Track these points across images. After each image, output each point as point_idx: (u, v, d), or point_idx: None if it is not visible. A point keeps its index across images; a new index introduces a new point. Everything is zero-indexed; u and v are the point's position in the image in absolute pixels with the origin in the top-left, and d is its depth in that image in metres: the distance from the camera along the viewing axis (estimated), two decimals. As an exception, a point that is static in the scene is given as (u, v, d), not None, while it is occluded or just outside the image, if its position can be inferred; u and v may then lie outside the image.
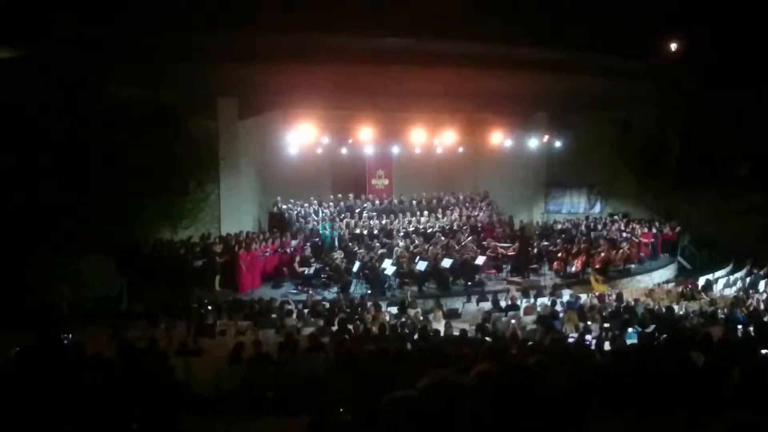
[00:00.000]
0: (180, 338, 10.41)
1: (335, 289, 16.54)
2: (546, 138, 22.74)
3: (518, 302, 14.71)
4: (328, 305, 14.34)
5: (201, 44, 14.46)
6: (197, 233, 18.52)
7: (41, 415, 4.78)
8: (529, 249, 19.00)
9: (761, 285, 16.39)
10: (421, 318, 13.37)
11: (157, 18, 13.28)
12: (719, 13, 16.59)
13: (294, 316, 13.31)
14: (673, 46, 17.57)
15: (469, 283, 17.25)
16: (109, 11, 12.87)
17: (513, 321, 12.33)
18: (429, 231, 20.32)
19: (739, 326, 10.51)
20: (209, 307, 13.66)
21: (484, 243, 19.49)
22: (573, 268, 18.17)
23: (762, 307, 13.02)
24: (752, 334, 9.33)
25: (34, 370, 6.12)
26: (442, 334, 11.23)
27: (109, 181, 15.30)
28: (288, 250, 18.26)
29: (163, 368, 7.70)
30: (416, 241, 18.99)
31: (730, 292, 16.20)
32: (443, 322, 12.75)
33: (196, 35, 14.03)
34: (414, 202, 22.63)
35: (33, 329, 9.59)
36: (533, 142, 22.68)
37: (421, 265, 16.86)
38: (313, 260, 17.74)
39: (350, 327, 11.38)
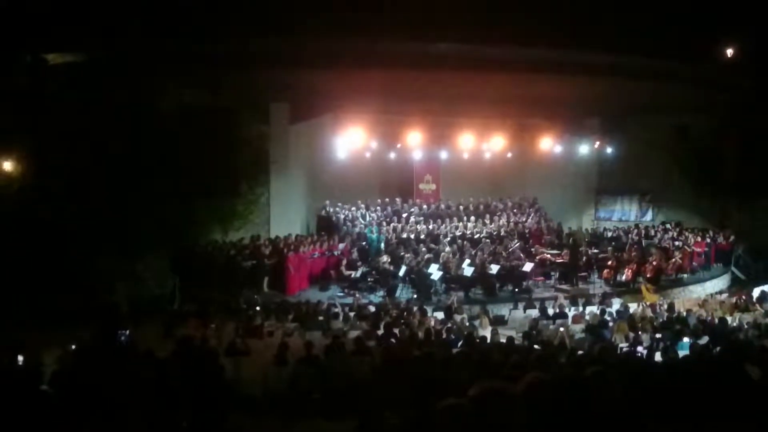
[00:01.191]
0: (229, 338, 10.57)
1: (381, 292, 16.60)
2: (597, 144, 22.35)
3: (566, 310, 14.50)
4: (374, 309, 14.42)
5: (255, 50, 14.78)
6: (247, 235, 18.86)
7: (95, 411, 4.94)
8: (578, 256, 18.70)
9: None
10: (467, 324, 13.31)
11: (215, 24, 13.64)
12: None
13: (340, 318, 13.43)
14: (731, 51, 17.06)
15: (516, 290, 17.07)
16: (171, 17, 13.27)
17: (561, 329, 12.15)
18: (476, 236, 20.21)
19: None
20: (258, 308, 13.90)
21: (532, 249, 19.27)
22: (623, 277, 17.78)
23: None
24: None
25: (89, 367, 6.35)
26: (488, 340, 11.16)
27: (165, 182, 15.74)
28: (335, 253, 18.44)
29: (214, 367, 7.85)
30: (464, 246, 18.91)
31: (788, 304, 15.61)
32: (489, 328, 12.65)
33: (250, 41, 14.34)
34: (461, 207, 22.52)
35: (93, 328, 9.94)
36: (584, 148, 22.31)
37: (468, 271, 16.78)
38: (359, 264, 17.86)
39: (396, 331, 11.42)
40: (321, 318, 13.27)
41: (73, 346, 9.00)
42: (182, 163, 16.20)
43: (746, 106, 19.58)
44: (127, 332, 9.50)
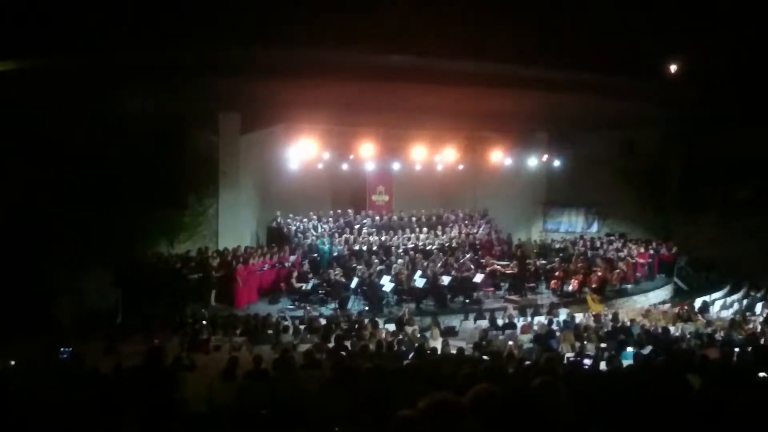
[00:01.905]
0: (174, 353, 10.33)
1: (333, 305, 16.50)
2: (546, 157, 22.86)
3: (515, 321, 14.70)
4: (325, 321, 14.30)
5: (205, 58, 14.55)
6: (195, 247, 18.49)
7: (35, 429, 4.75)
8: (527, 267, 19.00)
9: (758, 308, 16.37)
10: (419, 335, 13.34)
11: (164, 32, 13.39)
12: (723, 35, 16.73)
13: (290, 332, 13.26)
14: (676, 68, 17.70)
15: (467, 301, 17.23)
16: (120, 25, 12.98)
17: (510, 340, 12.29)
18: (428, 248, 20.33)
19: (736, 349, 10.48)
20: (204, 322, 13.62)
21: (483, 261, 19.49)
22: (570, 288, 18.16)
23: (759, 329, 12.99)
24: (749, 357, 9.30)
25: (30, 384, 6.10)
26: (439, 351, 11.19)
27: (110, 193, 15.32)
28: (286, 265, 18.25)
29: (159, 383, 7.64)
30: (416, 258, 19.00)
31: (727, 314, 16.17)
32: (440, 339, 12.70)
33: (200, 49, 14.13)
34: (414, 218, 22.63)
35: (35, 340, 9.60)
36: (533, 161, 22.79)
37: (420, 282, 16.85)
38: (311, 276, 17.72)
39: (347, 344, 11.34)
40: (270, 331, 13.06)
41: (12, 362, 8.67)
42: (127, 173, 15.81)
43: (690, 121, 20.34)
44: (71, 349, 9.16)
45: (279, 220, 20.98)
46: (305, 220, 21.45)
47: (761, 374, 6.97)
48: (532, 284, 18.75)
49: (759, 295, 17.50)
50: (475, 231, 22.67)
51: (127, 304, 15.15)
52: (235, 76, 15.49)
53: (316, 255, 19.34)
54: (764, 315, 15.52)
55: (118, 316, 14.86)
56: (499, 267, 19.15)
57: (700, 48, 16.97)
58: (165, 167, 16.87)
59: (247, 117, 19.49)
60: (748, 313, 15.75)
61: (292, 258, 18.54)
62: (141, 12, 13.49)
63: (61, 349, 8.99)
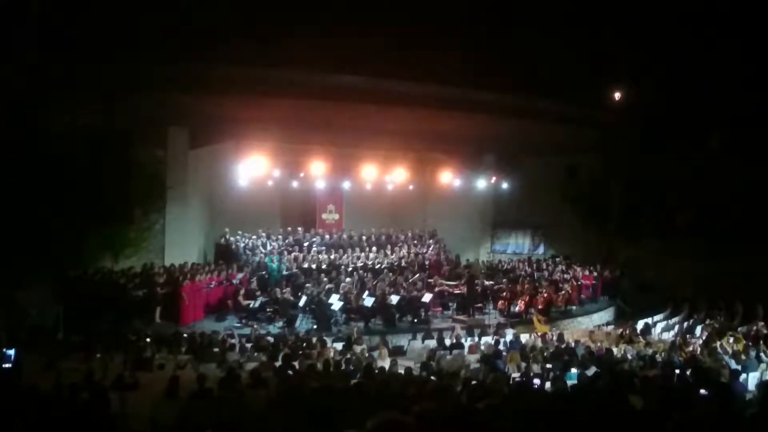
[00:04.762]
0: (116, 371, 10.13)
1: (281, 323, 16.32)
2: (494, 179, 23.29)
3: (463, 341, 14.80)
4: (272, 340, 14.12)
5: (155, 72, 14.35)
6: (140, 263, 18.04)
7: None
8: (475, 288, 19.22)
9: (698, 330, 16.88)
10: (367, 355, 13.29)
11: (113, 46, 13.16)
12: (664, 66, 17.51)
13: (237, 350, 13.05)
14: (619, 96, 18.39)
15: (415, 321, 17.28)
16: (67, 38, 12.69)
17: (457, 359, 12.38)
18: (377, 267, 20.36)
19: (677, 370, 10.79)
20: (148, 340, 13.32)
21: (431, 281, 19.62)
22: (516, 308, 18.41)
23: (699, 351, 13.41)
24: (689, 378, 9.58)
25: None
26: (387, 371, 11.17)
27: (52, 207, 14.83)
28: (234, 283, 17.98)
29: (99, 402, 7.41)
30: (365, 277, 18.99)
31: (668, 336, 16.63)
32: (388, 359, 12.70)
33: (150, 64, 13.93)
34: (363, 237, 22.67)
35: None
36: (481, 183, 23.18)
37: (369, 301, 16.83)
38: (258, 293, 17.50)
39: (295, 363, 11.22)
40: (216, 350, 12.83)
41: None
42: (72, 187, 15.35)
43: (631, 148, 21.09)
44: (10, 364, 8.80)
45: (228, 236, 20.69)
46: (254, 237, 21.22)
47: (702, 390, 7.18)
48: (479, 304, 18.94)
49: (699, 317, 18.07)
50: (424, 251, 22.85)
51: (69, 320, 14.64)
52: (183, 91, 15.33)
53: (264, 273, 19.12)
54: (703, 337, 16.03)
55: (59, 333, 14.32)
56: (447, 287, 19.31)
57: (640, 77, 17.71)
58: (111, 181, 16.44)
59: (196, 132, 19.21)
60: (688, 335, 16.21)
61: (240, 275, 18.29)
62: (88, 25, 13.25)
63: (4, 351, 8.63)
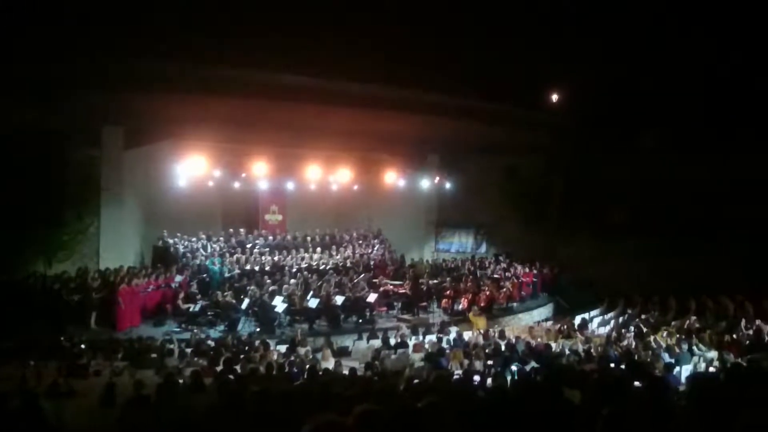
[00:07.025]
0: (51, 379, 9.86)
1: (222, 327, 16.01)
2: (437, 179, 23.49)
3: (408, 340, 14.85)
4: (213, 344, 13.84)
5: (86, 70, 13.86)
6: (74, 267, 17.38)
7: None
8: (420, 287, 19.34)
9: (632, 325, 17.43)
10: (311, 356, 13.18)
11: (43, 44, 12.64)
12: (601, 66, 18.00)
13: (176, 355, 12.75)
14: (557, 97, 18.82)
15: (360, 321, 17.26)
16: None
17: (402, 359, 12.41)
18: (322, 268, 20.23)
19: (612, 364, 11.10)
20: (83, 346, 12.92)
21: (376, 281, 19.63)
22: (460, 306, 18.63)
23: (633, 345, 13.84)
24: (624, 371, 9.85)
25: None
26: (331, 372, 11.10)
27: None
28: (172, 286, 17.52)
29: (31, 410, 7.12)
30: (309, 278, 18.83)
31: (604, 330, 17.12)
32: (333, 360, 12.63)
33: (81, 62, 13.44)
34: (308, 238, 22.49)
35: None
36: (425, 183, 23.33)
37: (313, 302, 16.70)
38: (199, 297, 17.12)
39: (237, 367, 11.03)
40: (154, 355, 12.52)
41: None
42: (1, 189, 14.71)
43: (569, 148, 21.66)
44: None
45: (166, 239, 20.13)
46: (194, 239, 20.72)
47: (636, 383, 7.38)
48: (424, 303, 19.06)
49: (634, 312, 18.69)
50: (369, 251, 22.84)
51: (1, 326, 13.99)
52: (116, 89, 14.84)
53: (205, 276, 18.70)
54: (635, 332, 16.57)
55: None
56: (392, 287, 19.36)
57: (578, 79, 18.17)
58: (43, 183, 15.83)
59: (132, 132, 18.55)
60: (623, 330, 16.73)
61: (179, 278, 17.83)
62: (19, 23, 12.68)
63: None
